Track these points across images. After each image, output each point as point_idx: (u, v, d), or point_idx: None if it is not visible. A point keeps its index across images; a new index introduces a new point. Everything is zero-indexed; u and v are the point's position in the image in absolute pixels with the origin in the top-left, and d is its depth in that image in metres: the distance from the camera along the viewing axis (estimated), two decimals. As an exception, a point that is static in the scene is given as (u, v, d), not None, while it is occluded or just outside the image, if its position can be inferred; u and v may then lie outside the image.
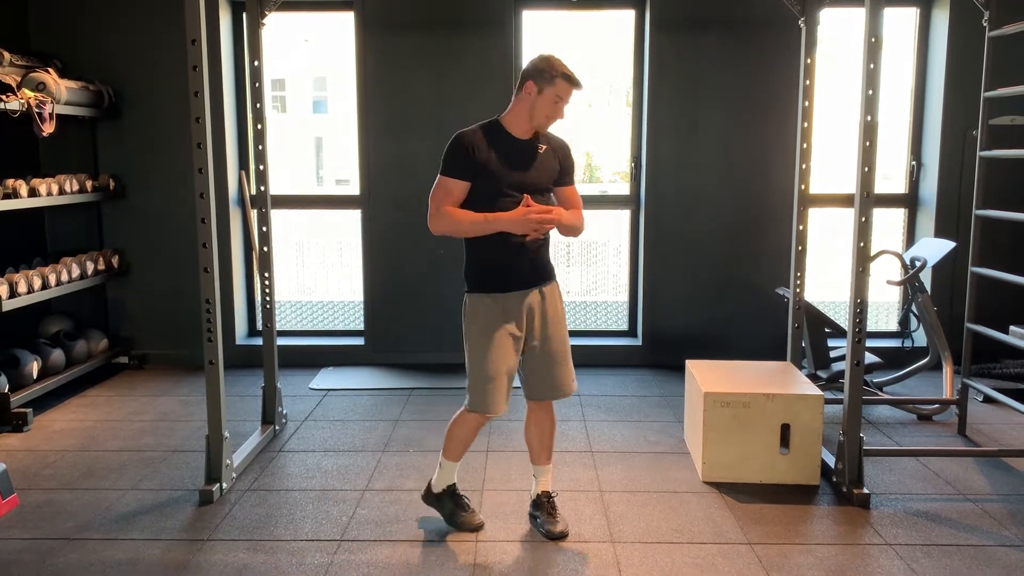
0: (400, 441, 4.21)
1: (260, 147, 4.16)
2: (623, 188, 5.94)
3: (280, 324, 6.10)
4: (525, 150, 3.04)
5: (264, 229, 4.24)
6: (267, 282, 4.28)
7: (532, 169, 3.03)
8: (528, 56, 5.69)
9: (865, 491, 3.46)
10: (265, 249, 4.25)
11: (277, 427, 4.33)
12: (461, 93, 5.44)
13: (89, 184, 5.21)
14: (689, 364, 4.12)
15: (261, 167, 4.19)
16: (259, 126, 4.15)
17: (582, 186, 7.45)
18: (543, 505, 3.27)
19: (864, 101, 3.35)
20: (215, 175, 5.34)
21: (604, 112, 7.42)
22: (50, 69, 4.84)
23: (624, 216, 5.88)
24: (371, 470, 3.83)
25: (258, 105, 4.14)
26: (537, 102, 2.99)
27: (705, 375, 3.91)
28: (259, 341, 5.78)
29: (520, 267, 3.06)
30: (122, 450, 4.10)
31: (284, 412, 4.48)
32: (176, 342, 5.67)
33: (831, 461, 3.69)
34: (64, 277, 4.89)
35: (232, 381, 5.21)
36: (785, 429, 3.66)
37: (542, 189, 3.06)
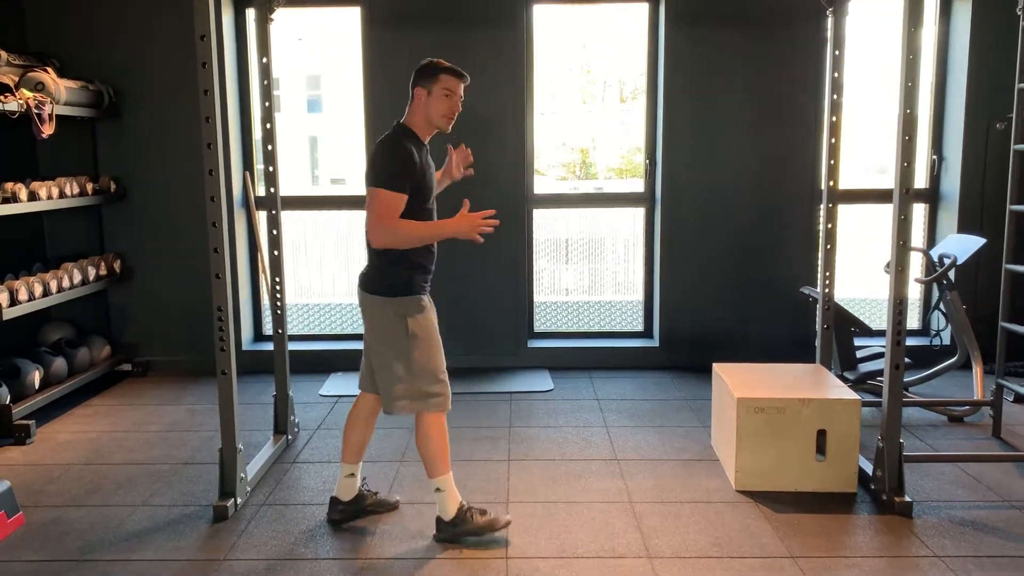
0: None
1: (270, 147, 4.01)
2: (634, 185, 5.79)
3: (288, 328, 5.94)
4: (429, 156, 3.14)
5: (275, 232, 4.09)
6: (278, 287, 4.13)
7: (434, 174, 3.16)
8: (540, 52, 5.58)
9: (907, 499, 3.33)
10: (276, 253, 4.10)
11: (290, 437, 4.18)
12: (470, 90, 5.26)
13: (89, 186, 5.05)
14: (717, 368, 3.99)
15: (271, 168, 4.03)
16: (268, 125, 4.00)
17: (589, 182, 7.31)
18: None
19: (903, 93, 3.21)
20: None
21: (614, 108, 7.26)
22: (48, 68, 4.68)
23: (638, 214, 5.74)
24: (390, 481, 3.69)
25: (267, 103, 3.99)
26: (430, 104, 3.04)
27: (735, 379, 3.77)
28: (267, 346, 5.68)
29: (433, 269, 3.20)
30: (130, 463, 3.95)
31: (296, 421, 4.33)
32: (181, 348, 5.52)
33: (867, 468, 3.56)
34: (65, 283, 4.73)
35: (239, 388, 5.05)
36: (821, 435, 3.52)
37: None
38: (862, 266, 6.27)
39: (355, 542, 3.13)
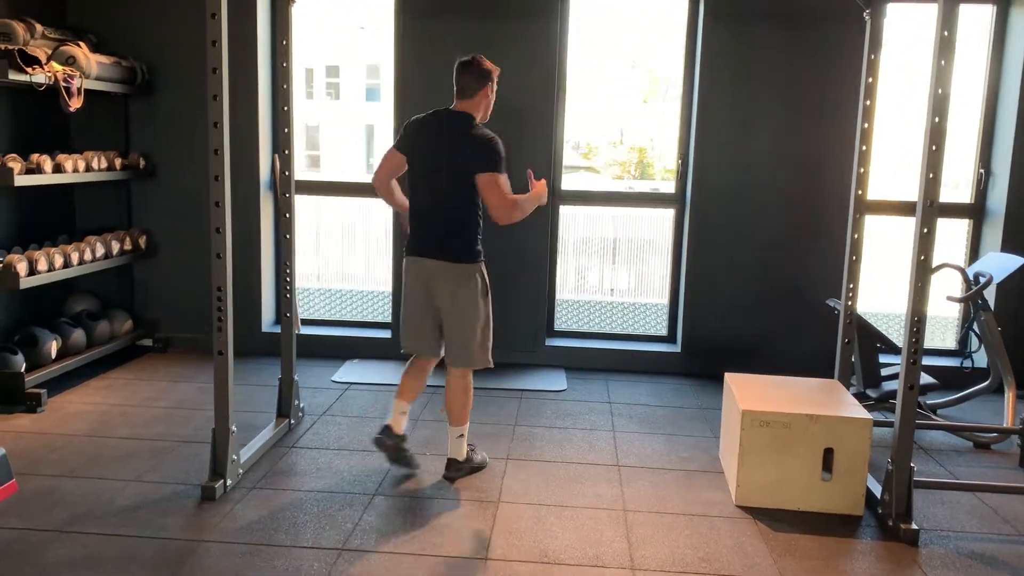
0: (418, 442, 4.01)
1: (285, 130, 3.98)
2: (665, 186, 5.66)
3: (311, 312, 5.95)
4: None
5: (287, 215, 4.07)
6: (287, 271, 4.11)
7: None
8: (574, 46, 5.47)
9: (913, 527, 3.17)
10: (287, 236, 4.08)
11: (292, 421, 4.16)
12: (503, 83, 5.18)
13: (118, 162, 5.10)
14: (728, 377, 3.86)
15: (286, 151, 4.01)
16: (285, 107, 3.97)
17: (646, 183, 7.17)
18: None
19: (932, 101, 3.05)
20: (244, 157, 5.23)
21: (657, 107, 7.13)
22: (81, 43, 4.73)
23: (668, 215, 5.61)
24: (384, 472, 3.64)
25: (284, 86, 3.96)
26: (490, 101, 3.55)
27: (744, 390, 3.65)
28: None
29: None
30: (132, 437, 3.97)
31: (301, 406, 4.32)
32: (202, 326, 5.54)
33: (877, 490, 3.40)
34: (87, 256, 4.78)
35: (255, 370, 5.09)
36: (828, 454, 3.38)
37: None
38: (902, 281, 6.04)
39: (335, 531, 3.08)
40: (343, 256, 6.28)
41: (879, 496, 3.35)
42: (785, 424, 3.38)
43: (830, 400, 3.62)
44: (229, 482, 3.41)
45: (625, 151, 7.60)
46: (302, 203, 5.94)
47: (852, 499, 3.38)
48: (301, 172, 19.28)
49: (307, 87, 19.69)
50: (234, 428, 3.43)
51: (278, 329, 5.69)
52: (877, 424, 3.89)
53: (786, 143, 5.16)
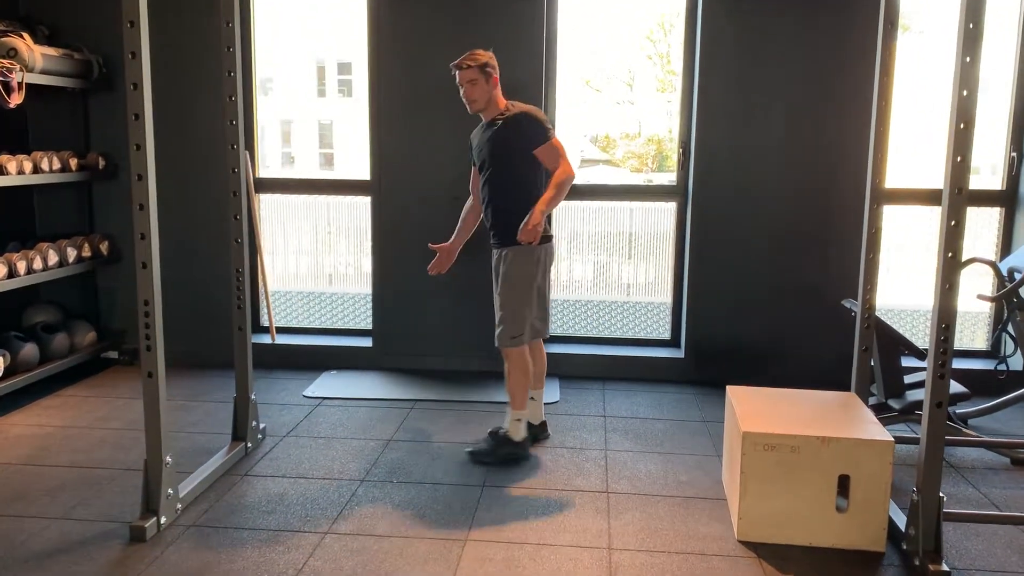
0: (385, 467, 3.61)
1: (232, 122, 3.59)
2: (666, 178, 5.23)
3: (287, 320, 5.57)
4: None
5: (237, 218, 3.68)
6: (239, 279, 3.72)
7: None
8: (564, 27, 5.04)
9: (944, 568, 2.73)
10: (238, 241, 3.68)
11: (249, 444, 3.77)
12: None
13: (73, 162, 4.74)
14: (730, 392, 3.43)
15: (233, 146, 3.62)
16: (231, 97, 3.58)
17: (664, 175, 6.76)
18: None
19: (959, 72, 2.60)
20: (216, 155, 4.86)
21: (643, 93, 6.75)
22: (24, 34, 4.36)
23: (670, 209, 5.16)
24: (341, 505, 3.24)
25: (230, 73, 3.57)
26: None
27: (747, 407, 3.21)
28: (264, 338, 5.31)
29: None
30: (71, 465, 3.60)
31: (261, 426, 3.93)
32: (172, 337, 5.13)
33: (901, 522, 2.96)
34: (37, 265, 4.42)
35: (223, 384, 4.71)
36: (843, 481, 2.94)
37: None
38: (923, 274, 5.60)
39: (275, 581, 2.70)
40: (324, 257, 5.91)
41: (903, 529, 2.91)
42: (793, 447, 2.94)
43: (845, 418, 3.17)
44: (163, 520, 3.03)
45: (642, 143, 7.29)
46: (304, 202, 5.60)
47: (872, 533, 2.94)
48: (313, 170, 18.92)
49: (319, 84, 19.37)
50: (168, 459, 3.05)
51: (255, 339, 5.37)
52: (901, 440, 3.45)
53: (796, 128, 4.70)
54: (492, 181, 3.66)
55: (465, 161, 4.82)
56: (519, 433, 3.73)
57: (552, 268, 3.78)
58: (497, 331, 3.67)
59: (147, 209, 2.88)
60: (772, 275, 4.83)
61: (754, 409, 3.20)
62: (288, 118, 18.32)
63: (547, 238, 3.69)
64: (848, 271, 4.69)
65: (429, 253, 4.94)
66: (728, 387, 3.47)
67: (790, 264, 4.81)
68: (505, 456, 3.69)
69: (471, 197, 3.99)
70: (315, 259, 5.92)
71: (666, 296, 5.26)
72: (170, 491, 3.07)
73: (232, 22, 3.50)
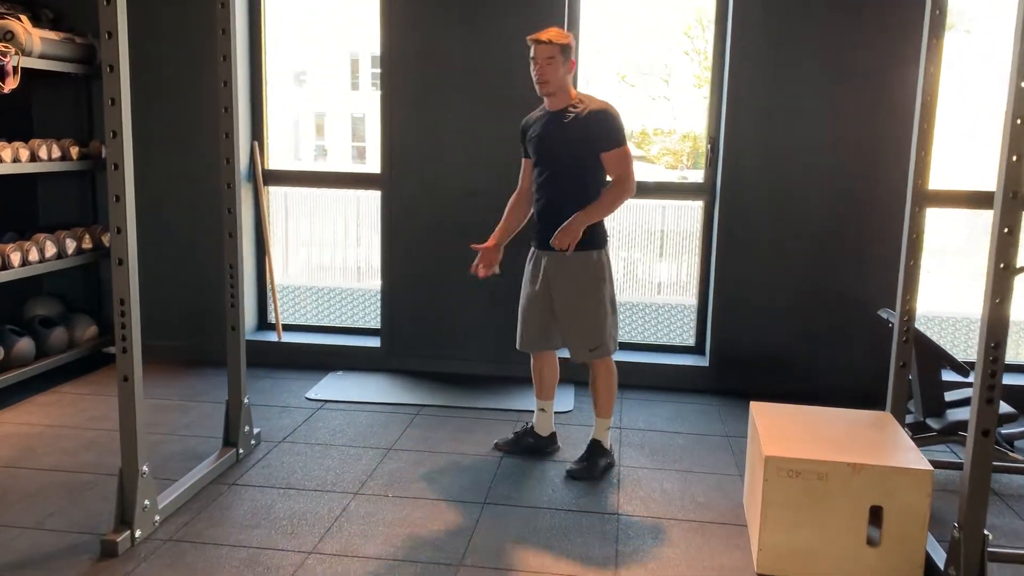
0: (382, 479, 3.39)
1: (225, 109, 3.38)
2: (694, 175, 4.96)
3: (294, 317, 5.38)
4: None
5: (230, 211, 3.47)
6: (233, 275, 3.51)
7: None
8: (598, 21, 4.79)
9: (988, 615, 2.45)
10: (231, 235, 3.48)
11: (241, 451, 3.57)
12: (502, 55, 4.53)
13: (75, 151, 4.58)
14: (754, 408, 3.16)
15: (227, 135, 3.41)
16: (225, 83, 3.37)
17: (699, 172, 6.52)
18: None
19: (1018, 59, 2.30)
20: (217, 145, 4.68)
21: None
22: (22, 17, 4.20)
23: (697, 208, 4.89)
24: (331, 521, 3.02)
25: (224, 57, 3.36)
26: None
27: (771, 427, 2.94)
28: (271, 335, 5.13)
29: None
30: (54, 468, 3.43)
31: (256, 431, 3.73)
32: (176, 333, 5.02)
33: (940, 558, 2.68)
34: (33, 257, 4.26)
35: (225, 384, 4.50)
36: (876, 512, 2.66)
37: None
38: (964, 278, 5.29)
39: (248, 607, 2.48)
40: (341, 251, 5.73)
41: (942, 568, 2.62)
42: (820, 474, 2.67)
43: (879, 441, 2.89)
44: (139, 533, 2.83)
45: (677, 140, 7.08)
46: (311, 195, 5.43)
47: (907, 571, 2.66)
48: (346, 163, 18.81)
49: (352, 78, 19.25)
50: (145, 468, 2.85)
51: (261, 336, 5.20)
52: (941, 465, 3.17)
53: (834, 124, 4.40)
54: (555, 177, 3.38)
55: (479, 155, 4.60)
56: (608, 441, 3.58)
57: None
58: (573, 345, 3.46)
59: (123, 201, 2.69)
60: (804, 281, 4.53)
61: (779, 429, 2.93)
62: (321, 111, 18.23)
63: (606, 239, 3.44)
64: (884, 278, 4.39)
65: (440, 250, 4.74)
66: (752, 403, 3.20)
67: (823, 270, 4.51)
68: (604, 469, 3.52)
69: (517, 191, 3.64)
70: (326, 253, 5.73)
71: (691, 298, 4.99)
72: (147, 502, 2.87)
73: (227, 3, 3.28)
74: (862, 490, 2.65)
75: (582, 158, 3.31)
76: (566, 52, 3.28)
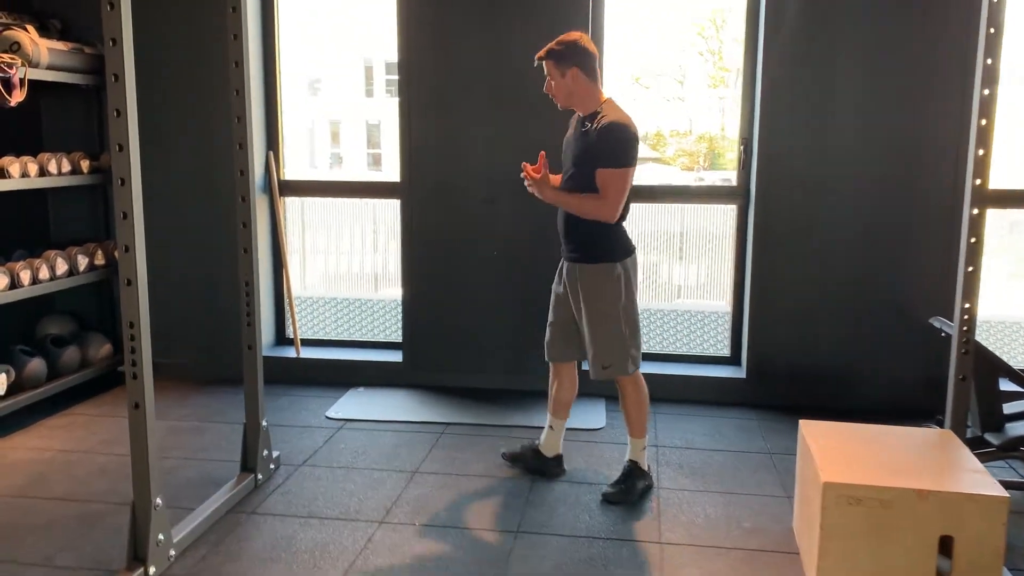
0: (408, 506, 3.21)
1: (238, 119, 3.22)
2: (725, 178, 4.76)
3: (312, 330, 5.22)
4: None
5: (245, 225, 3.31)
6: (249, 292, 3.35)
7: None
8: (611, 8, 4.60)
9: (1075, 657, 2.24)
10: (246, 250, 3.31)
11: (260, 476, 3.41)
12: (522, 61, 4.33)
13: (85, 164, 4.43)
14: (804, 427, 2.95)
15: (241, 145, 3.25)
16: (237, 92, 3.21)
17: (716, 173, 6.35)
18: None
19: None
20: (230, 155, 4.52)
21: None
22: (29, 27, 4.06)
23: (729, 212, 4.69)
24: (355, 554, 2.85)
25: (236, 63, 3.20)
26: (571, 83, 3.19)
27: (825, 449, 2.74)
28: (288, 351, 4.97)
29: None
30: (64, 498, 3.27)
31: (275, 455, 3.56)
32: (190, 350, 4.86)
33: (1015, 591, 2.47)
34: (44, 275, 4.12)
35: (239, 402, 4.35)
36: (946, 541, 2.46)
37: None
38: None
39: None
40: (359, 261, 5.57)
41: (1019, 603, 2.42)
42: (884, 502, 2.47)
43: (945, 464, 2.69)
44: (152, 570, 2.67)
45: (693, 141, 6.93)
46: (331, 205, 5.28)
47: (980, 606, 2.45)
48: (361, 170, 18.74)
49: (366, 84, 19.16)
50: (159, 501, 2.69)
51: (278, 352, 5.03)
52: (1006, 485, 2.94)
53: (877, 122, 4.18)
54: (567, 185, 3.23)
55: (499, 163, 4.41)
56: (645, 461, 3.38)
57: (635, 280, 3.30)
58: (590, 360, 3.28)
59: (131, 218, 2.52)
60: (848, 287, 4.31)
61: (834, 451, 2.73)
62: (336, 118, 18.17)
63: (627, 251, 3.22)
64: (932, 283, 4.18)
65: (462, 260, 4.57)
66: (801, 422, 3.00)
67: (866, 276, 4.29)
68: (643, 492, 3.34)
69: None
70: (343, 262, 5.58)
71: (724, 304, 4.79)
72: (161, 536, 2.71)
73: (238, 7, 3.12)
74: (930, 519, 2.44)
75: (589, 171, 3.11)
76: (561, 60, 3.10)
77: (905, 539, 2.47)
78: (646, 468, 3.38)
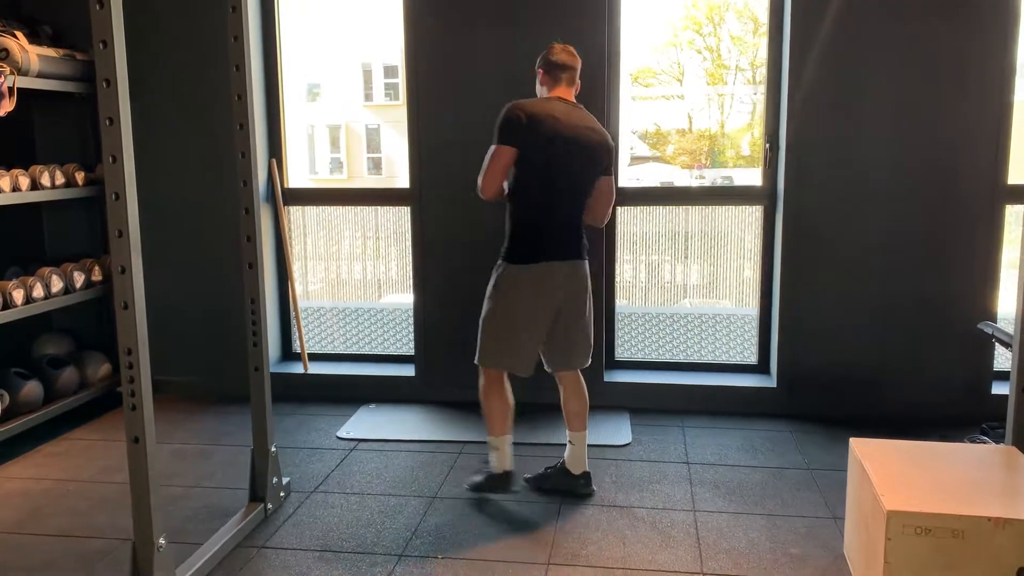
0: (429, 536, 3.00)
1: (240, 126, 3.01)
2: (750, 177, 4.56)
3: (319, 344, 5.01)
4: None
5: (249, 239, 3.10)
6: (255, 310, 3.14)
7: None
8: (628, 5, 4.40)
9: None
10: (249, 265, 3.11)
11: (270, 505, 3.20)
12: (533, 62, 4.14)
13: (80, 176, 4.22)
14: (856, 447, 2.74)
15: (243, 154, 3.04)
16: (239, 97, 3.00)
17: (716, 171, 6.15)
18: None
19: None
20: (232, 163, 4.32)
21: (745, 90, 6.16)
22: (18, 33, 3.86)
23: (755, 213, 4.48)
24: (376, 592, 2.64)
25: (237, 67, 2.99)
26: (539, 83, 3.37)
27: (883, 471, 2.53)
28: (296, 367, 4.76)
29: None
30: (62, 534, 3.06)
31: (285, 482, 3.35)
32: (193, 368, 4.66)
33: (1098, 625, 2.25)
34: (38, 293, 3.91)
35: (249, 423, 4.15)
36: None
37: None
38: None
39: None
40: (360, 267, 5.36)
41: (1107, 640, 2.20)
42: (956, 531, 2.25)
43: (1016, 486, 2.47)
44: (156, 617, 2.46)
45: (693, 139, 6.80)
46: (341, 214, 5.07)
47: (1063, 644, 2.24)
48: (361, 175, 18.51)
49: (365, 89, 18.96)
50: (162, 541, 2.48)
51: (284, 368, 4.82)
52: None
53: (914, 117, 3.97)
54: None
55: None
56: (492, 462, 3.30)
57: (585, 291, 3.25)
58: (580, 357, 3.35)
59: (127, 236, 2.31)
60: (883, 290, 4.10)
61: (893, 473, 2.52)
62: (336, 123, 18.00)
63: (520, 256, 3.15)
64: (974, 286, 3.98)
65: (476, 269, 4.33)
66: (852, 440, 2.78)
67: (903, 279, 4.08)
68: (480, 486, 3.32)
69: None
70: (347, 269, 5.36)
71: (748, 309, 4.58)
72: (164, 581, 2.50)
73: (238, 7, 2.92)
74: (1007, 549, 2.23)
75: None
76: (538, 62, 3.31)
77: (980, 571, 2.25)
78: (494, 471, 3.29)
